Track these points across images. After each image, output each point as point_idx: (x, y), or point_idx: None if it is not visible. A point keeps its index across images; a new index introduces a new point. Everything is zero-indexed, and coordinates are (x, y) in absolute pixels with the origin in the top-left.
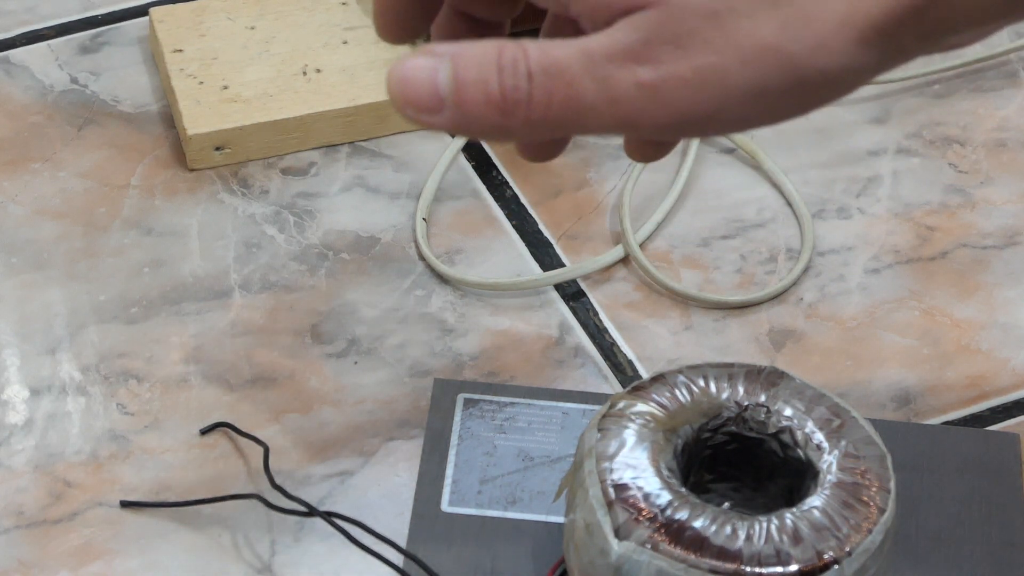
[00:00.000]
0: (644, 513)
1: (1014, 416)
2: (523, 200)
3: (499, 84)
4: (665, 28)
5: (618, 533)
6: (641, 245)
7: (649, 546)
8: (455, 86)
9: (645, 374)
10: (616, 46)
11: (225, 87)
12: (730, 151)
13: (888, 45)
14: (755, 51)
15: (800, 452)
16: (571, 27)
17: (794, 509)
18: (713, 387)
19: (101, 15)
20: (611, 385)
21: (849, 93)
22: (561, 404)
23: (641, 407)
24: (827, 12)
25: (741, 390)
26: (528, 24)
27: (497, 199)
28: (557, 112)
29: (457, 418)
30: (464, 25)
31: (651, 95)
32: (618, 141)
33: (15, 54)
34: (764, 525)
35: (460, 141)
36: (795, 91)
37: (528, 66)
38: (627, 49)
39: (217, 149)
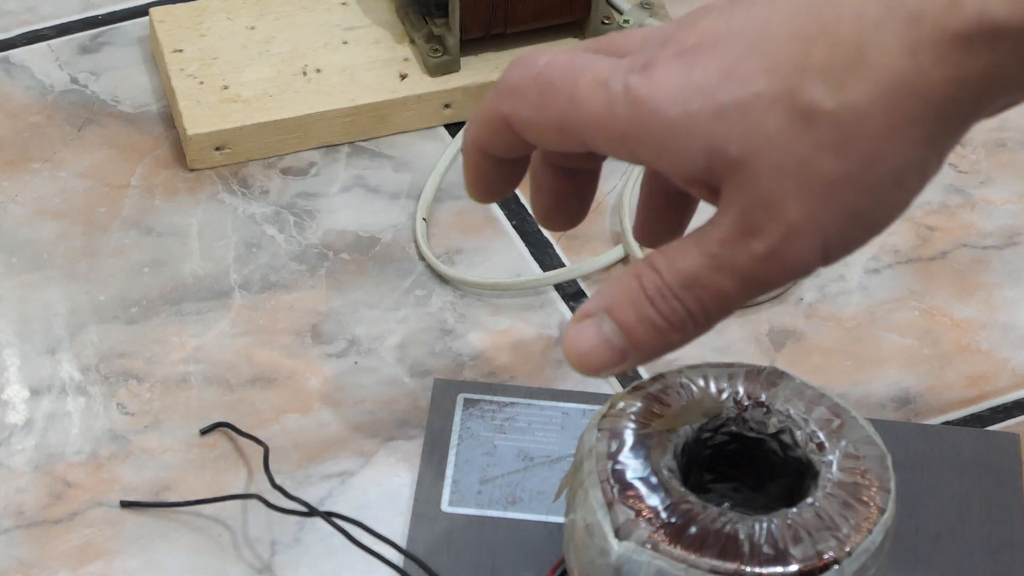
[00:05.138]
0: (644, 513)
1: (1014, 416)
2: (523, 200)
3: (658, 314)
4: (751, 194)
5: (618, 533)
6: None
7: (649, 546)
8: (625, 335)
9: (645, 374)
10: (724, 231)
11: (225, 87)
12: None
13: (937, 134)
14: (827, 186)
15: (800, 452)
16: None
17: (794, 509)
18: (713, 387)
19: (101, 15)
20: (611, 385)
21: (925, 182)
22: (561, 404)
23: (641, 407)
24: (872, 128)
25: (741, 390)
26: (536, 23)
27: None
28: (713, 311)
29: (457, 418)
30: (557, 174)
31: (772, 261)
32: None
33: (15, 54)
34: (764, 525)
35: (460, 141)
36: (878, 203)
37: (671, 288)
38: (733, 228)
39: (217, 149)
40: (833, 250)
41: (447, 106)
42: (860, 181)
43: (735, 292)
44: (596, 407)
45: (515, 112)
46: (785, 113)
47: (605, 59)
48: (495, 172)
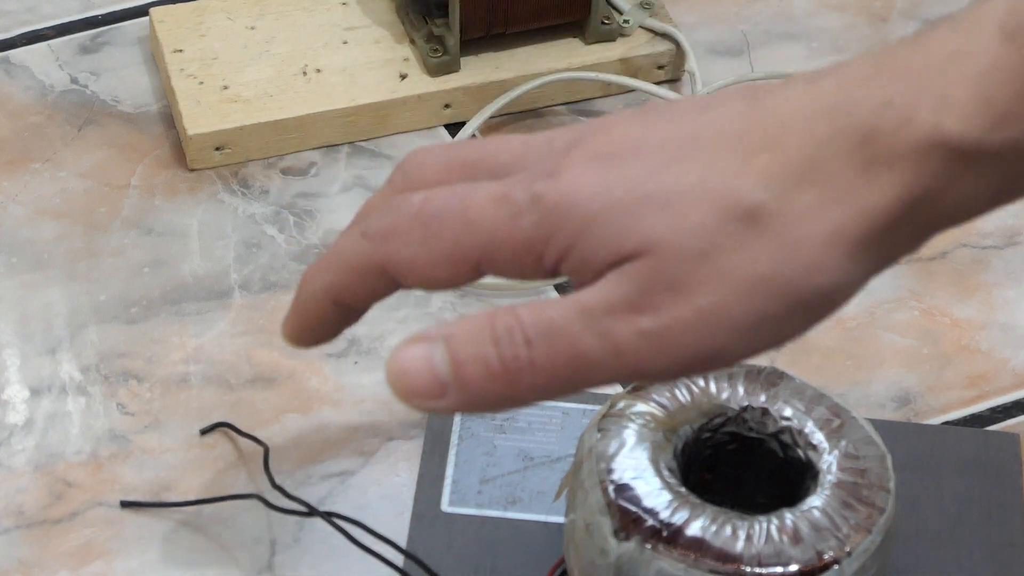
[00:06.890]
0: (644, 513)
1: (1014, 416)
2: None
3: (498, 356)
4: (659, 275)
5: (618, 533)
6: None
7: (649, 546)
8: (453, 367)
9: None
10: (612, 298)
11: (225, 87)
12: None
13: (877, 253)
14: (751, 283)
15: (800, 452)
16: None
17: (794, 509)
18: (713, 387)
19: (101, 15)
20: (611, 385)
21: (848, 302)
22: (561, 404)
23: (641, 407)
24: (814, 234)
25: (741, 390)
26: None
27: None
28: (563, 372)
29: (457, 418)
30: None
31: (656, 342)
32: None
33: (15, 54)
34: (764, 525)
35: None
36: (796, 314)
37: (524, 332)
38: (624, 300)
39: (217, 149)
40: (730, 354)
41: (447, 106)
42: (792, 286)
43: (593, 360)
44: (596, 407)
45: (394, 254)
46: (715, 209)
47: (491, 181)
48: (335, 319)
